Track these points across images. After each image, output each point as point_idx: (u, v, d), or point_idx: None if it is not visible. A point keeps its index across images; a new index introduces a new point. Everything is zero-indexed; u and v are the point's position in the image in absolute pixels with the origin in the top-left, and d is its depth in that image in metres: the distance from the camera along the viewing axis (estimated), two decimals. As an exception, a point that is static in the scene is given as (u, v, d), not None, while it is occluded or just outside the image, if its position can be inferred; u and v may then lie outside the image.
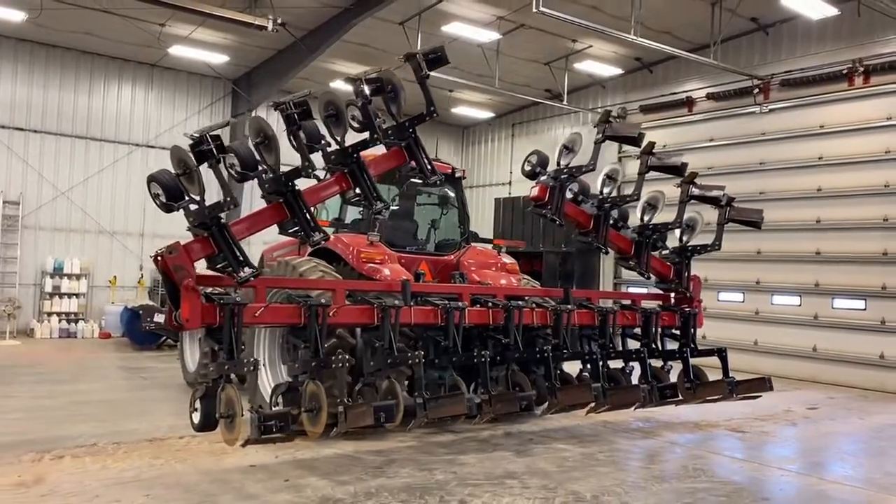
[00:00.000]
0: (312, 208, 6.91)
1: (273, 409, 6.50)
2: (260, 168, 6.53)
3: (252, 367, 6.10)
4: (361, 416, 6.20)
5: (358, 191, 7.13)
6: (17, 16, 14.77)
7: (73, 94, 17.60)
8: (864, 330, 14.09)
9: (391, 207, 10.13)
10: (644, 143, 9.00)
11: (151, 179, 6.20)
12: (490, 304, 8.02)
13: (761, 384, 9.09)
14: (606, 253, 9.27)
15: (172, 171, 6.22)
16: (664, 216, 9.24)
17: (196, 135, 6.38)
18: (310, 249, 9.42)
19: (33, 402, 9.45)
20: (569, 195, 8.59)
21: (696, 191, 9.20)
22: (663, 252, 9.37)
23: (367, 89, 7.01)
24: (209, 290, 6.36)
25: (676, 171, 9.20)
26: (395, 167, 7.66)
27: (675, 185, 9.27)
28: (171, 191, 6.14)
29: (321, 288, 7.36)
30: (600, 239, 8.79)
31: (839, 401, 12.39)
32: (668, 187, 9.29)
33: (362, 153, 7.07)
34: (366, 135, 7.15)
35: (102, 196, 17.97)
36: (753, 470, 7.66)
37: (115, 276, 17.85)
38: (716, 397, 9.02)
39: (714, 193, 9.18)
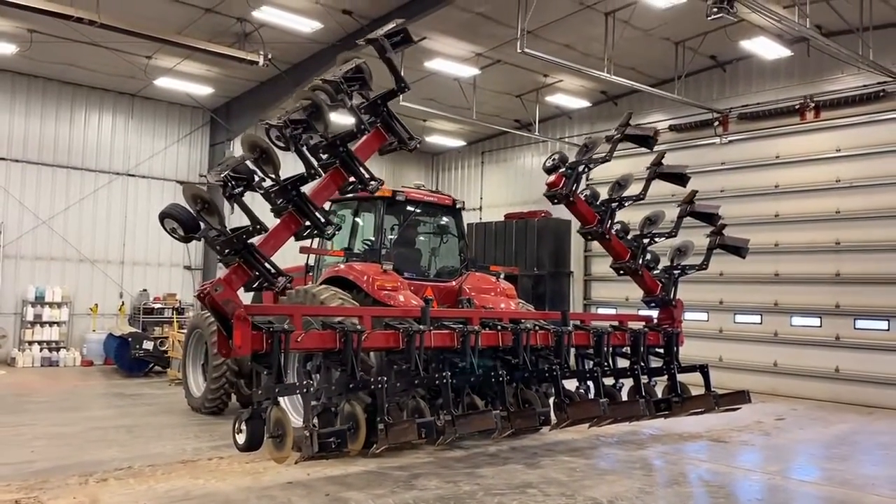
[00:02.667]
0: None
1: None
2: (257, 178, 6.85)
3: (306, 390, 6.59)
4: (404, 433, 6.75)
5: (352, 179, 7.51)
6: (7, 49, 14.99)
7: (55, 123, 17.72)
8: (820, 346, 15.19)
9: (393, 237, 10.76)
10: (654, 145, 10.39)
11: (165, 216, 6.55)
12: (499, 328, 8.66)
13: (741, 397, 9.94)
14: (609, 240, 10.10)
15: (184, 206, 6.57)
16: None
17: (217, 179, 6.65)
18: (323, 277, 9.96)
19: (52, 429, 9.68)
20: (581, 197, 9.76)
21: (693, 208, 10.31)
22: (654, 272, 10.27)
23: (349, 88, 7.35)
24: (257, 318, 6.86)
25: (680, 179, 10.28)
26: (378, 147, 7.96)
27: (678, 205, 10.27)
28: (187, 224, 6.53)
29: (347, 314, 7.87)
30: (603, 227, 9.81)
31: (802, 412, 13.38)
32: (669, 209, 10.35)
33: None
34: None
35: (83, 224, 18.06)
36: (741, 474, 8.44)
37: (96, 304, 17.90)
38: (701, 410, 9.81)
39: (711, 210, 10.27)
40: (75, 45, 15.09)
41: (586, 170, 9.67)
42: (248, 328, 6.63)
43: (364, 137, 7.74)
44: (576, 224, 19.69)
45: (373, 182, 7.57)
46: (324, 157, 7.43)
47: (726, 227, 10.45)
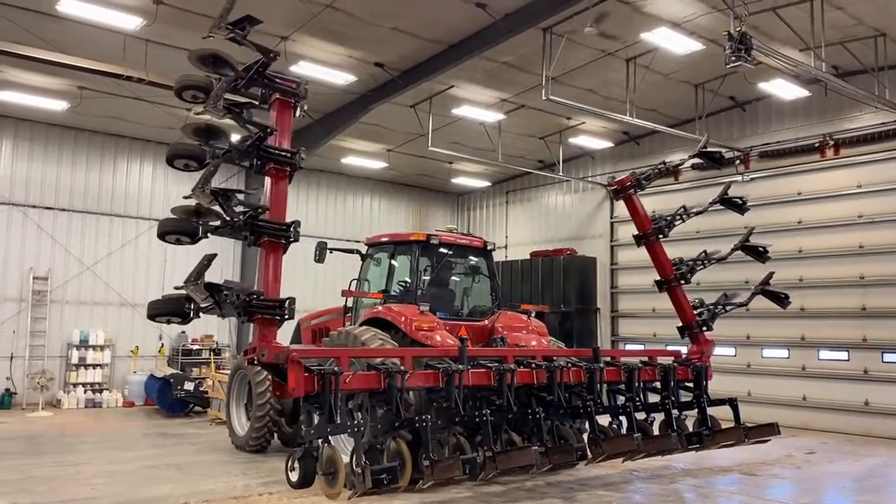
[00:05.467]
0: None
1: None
2: (200, 228, 7.11)
3: (356, 429, 7.00)
4: (449, 469, 7.11)
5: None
6: (59, 105, 15.86)
7: (99, 173, 18.54)
8: (848, 379, 15.30)
9: (427, 278, 11.16)
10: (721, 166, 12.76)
11: (154, 316, 6.96)
12: (534, 365, 9.02)
13: (770, 429, 10.17)
14: (662, 238, 11.24)
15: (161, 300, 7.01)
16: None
17: (193, 289, 6.97)
18: (362, 318, 10.42)
19: (107, 467, 10.14)
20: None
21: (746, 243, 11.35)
22: (698, 308, 10.80)
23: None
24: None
25: (739, 207, 11.45)
26: (291, 118, 8.13)
27: (735, 245, 11.36)
28: (177, 312, 6.94)
29: (390, 356, 8.29)
30: (659, 225, 11.07)
31: (832, 445, 13.49)
32: (725, 245, 11.43)
33: None
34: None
35: (125, 269, 18.73)
36: (774, 507, 8.68)
37: (136, 346, 18.49)
38: (731, 442, 10.05)
39: (761, 246, 11.34)
40: (121, 99, 15.89)
41: (653, 174, 11.11)
42: (302, 371, 7.08)
43: (274, 118, 7.87)
44: (602, 262, 20.26)
45: (296, 155, 7.75)
46: (245, 164, 7.66)
47: (773, 273, 11.44)
